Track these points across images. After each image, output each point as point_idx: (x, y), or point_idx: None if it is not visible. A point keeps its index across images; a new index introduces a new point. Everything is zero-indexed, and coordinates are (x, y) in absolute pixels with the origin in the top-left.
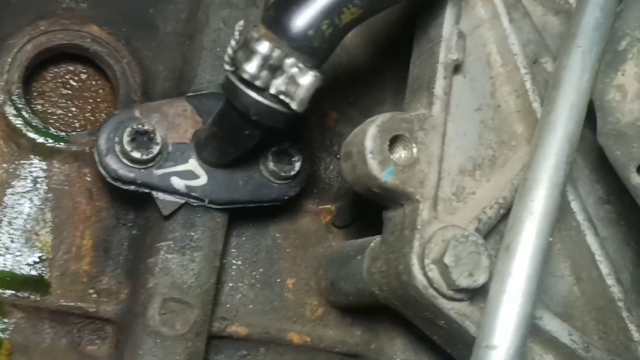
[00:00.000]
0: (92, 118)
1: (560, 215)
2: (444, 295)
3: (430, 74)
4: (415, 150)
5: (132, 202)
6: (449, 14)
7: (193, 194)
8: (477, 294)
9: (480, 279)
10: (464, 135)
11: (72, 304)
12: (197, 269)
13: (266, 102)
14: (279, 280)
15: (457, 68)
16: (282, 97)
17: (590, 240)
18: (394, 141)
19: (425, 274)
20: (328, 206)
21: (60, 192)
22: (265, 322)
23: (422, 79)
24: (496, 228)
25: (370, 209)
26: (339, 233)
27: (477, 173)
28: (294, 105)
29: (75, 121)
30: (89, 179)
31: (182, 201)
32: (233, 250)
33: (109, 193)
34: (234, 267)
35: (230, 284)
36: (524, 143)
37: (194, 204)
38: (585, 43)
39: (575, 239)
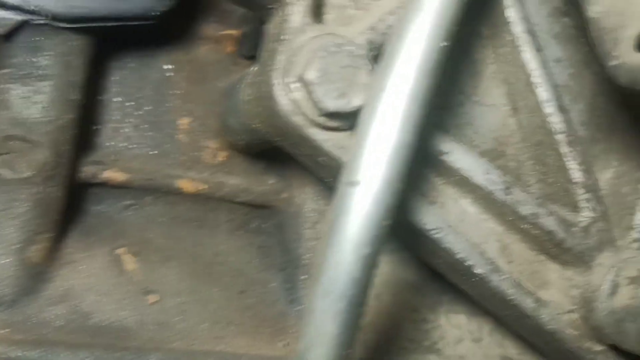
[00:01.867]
0: None
1: (496, 30)
2: (313, 123)
3: None
4: None
5: None
6: None
7: (31, 7)
8: None
9: (356, 100)
10: None
11: None
12: (46, 102)
13: None
14: (170, 119)
15: None
16: None
17: (526, 57)
18: None
19: (288, 95)
20: (231, 32)
21: None
22: (150, 167)
23: None
24: None
25: None
26: (245, 65)
27: None
28: None
29: None
30: None
31: (20, 18)
32: (114, 86)
33: None
34: (116, 104)
35: (112, 125)
36: None
37: (38, 22)
38: None
39: (510, 57)
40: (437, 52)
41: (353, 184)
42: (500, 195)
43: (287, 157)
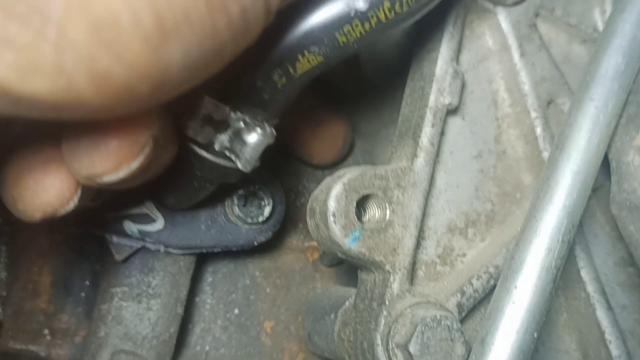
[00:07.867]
0: None
1: (568, 283)
2: None
3: (418, 118)
4: (388, 212)
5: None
6: (444, 48)
7: (148, 239)
8: None
9: None
10: (457, 187)
11: (23, 347)
12: (154, 318)
13: (210, 157)
14: (256, 322)
15: (454, 109)
16: (227, 153)
17: (600, 315)
18: (366, 200)
19: (390, 356)
20: (315, 243)
21: (15, 224)
22: None
23: (410, 122)
24: (484, 303)
25: None
26: (326, 272)
27: (470, 231)
28: (239, 165)
29: None
30: None
31: (138, 245)
32: (207, 288)
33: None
34: (207, 306)
35: (202, 325)
36: (531, 196)
37: (152, 248)
38: (600, 96)
39: (583, 311)
40: (527, 345)
41: None
42: None
43: None
